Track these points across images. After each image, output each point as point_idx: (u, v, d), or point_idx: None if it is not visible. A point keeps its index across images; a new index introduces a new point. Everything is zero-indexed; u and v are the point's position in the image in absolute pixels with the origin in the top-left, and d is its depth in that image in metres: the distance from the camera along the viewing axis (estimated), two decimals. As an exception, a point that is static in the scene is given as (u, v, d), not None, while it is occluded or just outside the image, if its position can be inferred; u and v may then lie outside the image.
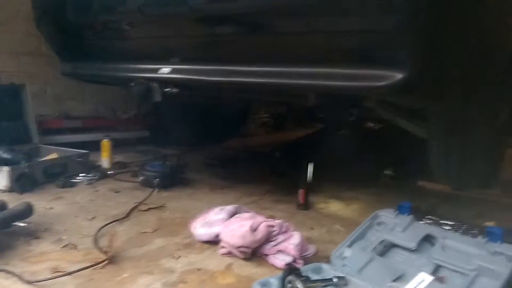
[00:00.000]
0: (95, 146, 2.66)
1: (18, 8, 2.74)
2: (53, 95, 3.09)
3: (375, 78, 1.09)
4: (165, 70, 1.47)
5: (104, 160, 2.59)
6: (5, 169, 1.98)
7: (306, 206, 1.95)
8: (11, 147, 2.26)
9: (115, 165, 2.63)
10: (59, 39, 1.93)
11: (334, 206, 2.05)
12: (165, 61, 1.49)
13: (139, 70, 1.58)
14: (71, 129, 3.06)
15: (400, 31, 1.02)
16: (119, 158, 2.84)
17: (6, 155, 2.15)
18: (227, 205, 1.94)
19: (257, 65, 1.27)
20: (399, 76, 1.06)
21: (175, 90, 1.51)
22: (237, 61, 1.32)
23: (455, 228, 1.63)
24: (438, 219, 1.73)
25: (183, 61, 1.45)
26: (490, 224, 1.63)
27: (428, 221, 1.69)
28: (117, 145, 2.98)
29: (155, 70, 1.50)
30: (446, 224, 1.67)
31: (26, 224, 1.47)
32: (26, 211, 1.54)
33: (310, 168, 1.92)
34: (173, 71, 1.45)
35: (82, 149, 2.58)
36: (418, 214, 1.80)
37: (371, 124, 3.26)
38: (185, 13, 1.32)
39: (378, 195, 2.28)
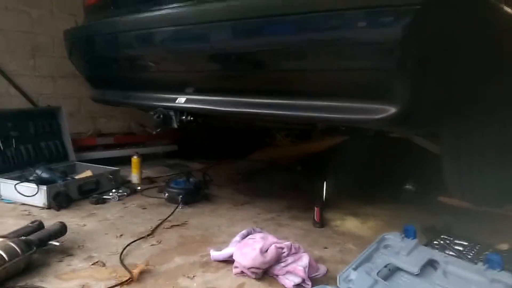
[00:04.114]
0: (126, 161, 2.83)
1: (53, 35, 2.96)
2: (87, 114, 3.31)
3: (371, 112, 1.16)
4: (181, 100, 1.59)
5: (134, 175, 2.76)
6: (43, 188, 2.16)
7: (321, 224, 2.01)
8: (48, 166, 2.46)
9: (144, 180, 2.79)
10: (88, 69, 2.10)
11: (350, 224, 2.09)
12: (181, 91, 1.62)
13: (158, 99, 1.71)
14: (104, 145, 3.26)
15: (392, 70, 1.08)
16: (148, 172, 3.01)
17: (44, 175, 2.34)
18: (247, 221, 2.06)
19: (264, 98, 1.36)
20: (392, 110, 1.12)
21: (190, 118, 1.63)
22: (245, 93, 1.42)
23: (467, 250, 1.64)
24: (452, 238, 1.74)
25: (197, 92, 1.57)
26: (503, 246, 1.63)
27: (441, 241, 1.71)
28: (146, 159, 3.17)
29: (173, 100, 1.63)
30: (460, 245, 1.69)
31: (59, 243, 1.62)
32: (61, 231, 1.69)
33: (325, 186, 1.98)
34: (188, 101, 1.57)
35: (115, 164, 2.77)
36: (433, 233, 1.84)
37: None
38: (202, 51, 1.45)
39: (396, 211, 2.29)
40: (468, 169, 1.81)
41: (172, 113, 1.66)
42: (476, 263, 1.24)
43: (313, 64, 1.23)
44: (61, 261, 1.58)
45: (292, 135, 4.67)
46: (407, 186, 2.65)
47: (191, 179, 2.45)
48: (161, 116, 1.65)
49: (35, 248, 1.49)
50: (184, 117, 1.65)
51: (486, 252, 1.61)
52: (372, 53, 1.10)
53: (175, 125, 1.67)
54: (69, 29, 2.16)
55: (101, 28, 1.92)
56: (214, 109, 1.50)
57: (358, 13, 1.07)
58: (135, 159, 2.74)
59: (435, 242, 1.73)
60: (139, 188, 2.61)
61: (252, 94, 1.40)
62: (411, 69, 1.08)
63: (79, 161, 2.90)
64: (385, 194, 2.59)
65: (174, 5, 1.56)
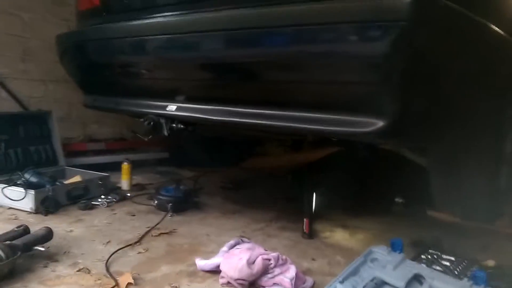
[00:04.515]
0: (117, 167, 2.81)
1: (45, 39, 2.95)
2: (78, 119, 3.28)
3: (360, 125, 1.17)
4: (171, 108, 1.59)
5: (124, 182, 2.74)
6: (31, 192, 2.14)
7: (310, 235, 2.01)
8: (37, 171, 2.43)
9: (134, 187, 2.77)
10: (79, 75, 2.10)
11: (339, 235, 2.10)
12: (172, 99, 1.62)
13: (149, 106, 1.72)
14: (95, 151, 3.24)
15: (379, 84, 1.10)
16: (138, 179, 2.99)
17: (32, 179, 2.32)
18: (236, 230, 2.05)
19: (254, 108, 1.37)
20: (380, 123, 1.13)
21: (181, 126, 1.63)
22: (236, 103, 1.42)
23: (454, 265, 1.65)
24: (440, 253, 1.75)
25: (188, 100, 1.58)
26: (490, 262, 1.64)
27: (429, 256, 1.72)
28: (137, 166, 3.15)
29: (163, 107, 1.63)
30: (447, 260, 1.69)
31: (45, 249, 1.60)
32: (47, 236, 1.67)
33: (314, 197, 1.98)
34: (178, 109, 1.58)
35: (106, 170, 2.75)
36: (421, 247, 1.85)
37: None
38: (192, 60, 1.45)
39: (386, 224, 2.30)
40: (456, 184, 1.82)
41: (163, 120, 1.66)
42: (462, 279, 1.24)
43: (302, 77, 1.24)
44: (46, 266, 1.56)
45: (284, 145, 4.68)
46: (397, 199, 2.66)
47: (181, 187, 2.44)
48: (152, 123, 1.65)
49: (19, 253, 1.47)
50: (174, 125, 1.65)
51: (473, 268, 1.62)
52: (360, 67, 1.12)
53: (166, 133, 1.67)
54: (61, 34, 2.15)
55: (93, 34, 1.92)
56: (204, 117, 1.50)
57: (346, 28, 1.09)
58: (125, 166, 2.73)
59: (422, 256, 1.73)
60: (128, 194, 2.59)
61: (243, 104, 1.41)
62: (398, 83, 1.09)
63: (69, 166, 2.88)
64: (375, 206, 2.60)
65: (166, 14, 1.57)
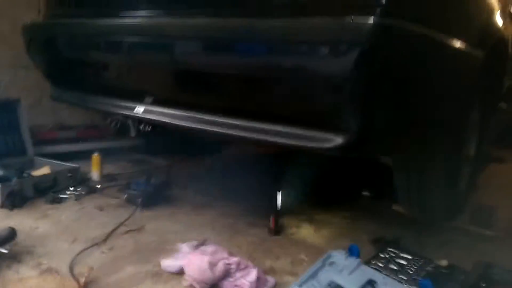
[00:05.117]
0: (89, 155, 2.77)
1: (14, 24, 2.84)
2: (48, 106, 3.20)
3: (321, 140, 1.19)
4: (139, 110, 1.58)
5: (94, 173, 2.72)
6: (-4, 186, 2.11)
7: (276, 231, 2.05)
8: (4, 163, 2.39)
9: (104, 177, 2.75)
10: (46, 67, 2.05)
11: (305, 231, 2.14)
12: (140, 101, 1.60)
13: (116, 106, 1.69)
14: (65, 139, 3.18)
15: (337, 103, 1.12)
16: (110, 168, 2.97)
17: (-2, 172, 2.28)
18: (204, 227, 2.08)
19: (220, 117, 1.38)
20: (339, 140, 1.16)
21: (148, 128, 1.63)
22: (201, 110, 1.42)
23: (410, 264, 1.72)
24: (398, 252, 1.82)
25: (155, 103, 1.56)
26: (443, 262, 1.72)
27: (387, 255, 1.79)
28: (110, 154, 3.11)
29: (131, 109, 1.61)
30: (404, 258, 1.77)
31: (7, 251, 1.59)
32: (10, 236, 1.66)
33: (280, 195, 2.02)
34: (146, 112, 1.57)
35: (77, 159, 2.72)
36: (381, 245, 1.92)
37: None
38: (159, 64, 1.44)
39: (351, 219, 2.36)
40: (417, 188, 1.89)
41: (130, 122, 1.65)
42: (411, 285, 1.31)
43: (264, 90, 1.25)
44: (9, 268, 1.56)
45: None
46: (364, 193, 2.73)
47: (152, 180, 2.44)
48: (118, 124, 1.64)
49: (-20, 257, 1.47)
50: (142, 127, 1.65)
51: (427, 268, 1.70)
52: (319, 85, 1.13)
53: (133, 134, 1.66)
54: (28, 24, 2.08)
55: (60, 28, 1.86)
56: (170, 122, 1.50)
57: (304, 47, 1.10)
58: (95, 157, 2.70)
59: (381, 255, 1.81)
60: (98, 186, 2.57)
61: (209, 112, 1.41)
62: (356, 102, 1.12)
63: (40, 155, 2.83)
64: (343, 199, 2.67)
65: (135, 15, 1.54)
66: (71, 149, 3.13)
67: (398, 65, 1.13)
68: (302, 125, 1.22)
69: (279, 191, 2.05)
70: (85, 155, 2.91)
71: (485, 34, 1.69)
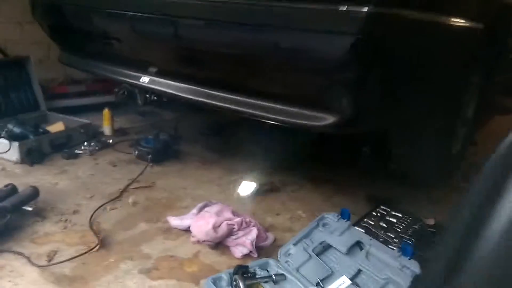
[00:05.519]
0: (100, 109, 2.87)
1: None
2: (57, 60, 3.25)
3: (315, 119, 1.27)
4: (144, 79, 1.65)
5: (106, 128, 2.84)
6: (16, 144, 2.25)
7: (278, 188, 2.19)
8: (20, 120, 2.51)
9: (116, 131, 2.88)
10: (53, 33, 2.08)
11: (305, 189, 2.28)
12: (145, 71, 1.67)
13: (123, 75, 1.76)
14: (76, 93, 3.27)
15: (331, 85, 1.18)
16: (121, 122, 3.09)
17: (16, 129, 2.40)
18: (212, 183, 2.21)
19: (222, 91, 1.45)
20: (331, 119, 1.24)
21: (154, 98, 1.70)
22: (204, 84, 1.49)
23: (400, 222, 1.87)
24: (390, 210, 1.96)
25: (160, 74, 1.62)
26: (430, 221, 1.86)
27: (379, 213, 1.93)
28: (118, 107, 3.20)
29: (137, 78, 1.68)
30: (395, 216, 1.91)
31: (32, 209, 1.76)
32: (33, 195, 1.82)
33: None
34: (151, 82, 1.63)
35: (88, 112, 2.81)
36: (375, 203, 2.06)
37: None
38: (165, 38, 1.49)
39: (349, 176, 2.48)
40: (411, 149, 1.97)
41: (136, 90, 1.72)
42: (394, 249, 1.45)
43: (265, 68, 1.31)
44: (34, 224, 1.73)
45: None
46: (364, 149, 2.83)
47: (161, 137, 2.55)
48: (125, 92, 1.72)
49: (9, 216, 1.63)
50: (148, 96, 1.72)
51: (415, 226, 1.85)
52: (315, 68, 1.18)
53: (140, 103, 1.75)
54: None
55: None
56: (173, 93, 1.57)
57: (302, 32, 1.14)
58: (106, 112, 2.81)
59: (373, 212, 1.95)
60: (110, 141, 2.70)
61: (210, 85, 1.48)
62: (349, 85, 1.18)
63: (51, 109, 2.94)
64: (344, 156, 2.77)
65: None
66: (82, 102, 3.23)
67: (391, 50, 1.17)
68: (300, 104, 1.29)
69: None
70: (96, 108, 3.02)
71: (485, 5, 1.68)
